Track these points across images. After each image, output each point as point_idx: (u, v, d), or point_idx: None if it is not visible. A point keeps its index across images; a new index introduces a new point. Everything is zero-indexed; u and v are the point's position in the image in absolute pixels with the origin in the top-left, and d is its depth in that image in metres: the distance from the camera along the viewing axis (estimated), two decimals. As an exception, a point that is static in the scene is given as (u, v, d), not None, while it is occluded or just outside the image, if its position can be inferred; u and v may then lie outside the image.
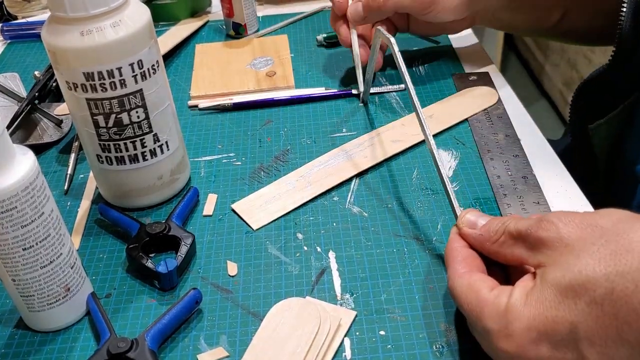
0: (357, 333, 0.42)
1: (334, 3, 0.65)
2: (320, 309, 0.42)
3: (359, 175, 0.55)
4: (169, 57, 0.76)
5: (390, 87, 0.67)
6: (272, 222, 0.51)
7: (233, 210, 0.53)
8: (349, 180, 0.55)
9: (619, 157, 0.62)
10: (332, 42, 0.76)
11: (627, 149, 0.61)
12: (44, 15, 0.90)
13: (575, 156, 0.64)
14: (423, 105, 0.63)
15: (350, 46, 0.66)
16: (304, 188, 0.54)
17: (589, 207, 0.51)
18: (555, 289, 0.33)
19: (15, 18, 0.91)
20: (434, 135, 0.59)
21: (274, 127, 0.63)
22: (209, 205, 0.54)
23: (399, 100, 0.65)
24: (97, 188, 0.56)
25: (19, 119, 0.62)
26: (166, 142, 0.51)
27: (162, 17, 0.83)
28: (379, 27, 0.56)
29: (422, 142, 0.58)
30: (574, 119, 0.65)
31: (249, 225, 0.51)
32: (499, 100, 0.63)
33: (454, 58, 0.72)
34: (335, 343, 0.41)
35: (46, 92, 0.66)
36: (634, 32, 0.54)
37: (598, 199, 0.53)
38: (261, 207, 0.53)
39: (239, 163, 0.58)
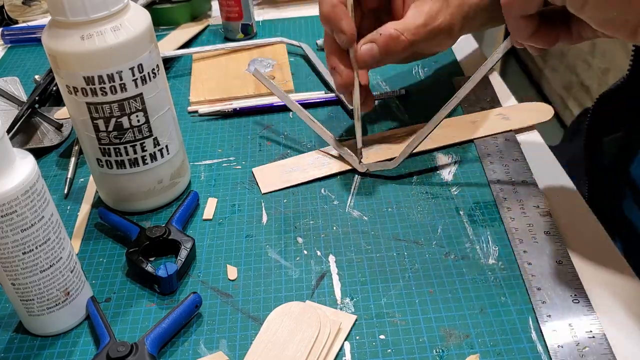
0: (357, 337, 0.42)
1: (340, 31, 0.51)
2: (320, 313, 0.42)
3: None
4: (169, 61, 0.76)
5: (390, 92, 0.67)
6: (279, 190, 0.55)
7: (252, 174, 0.57)
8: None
9: (626, 172, 0.61)
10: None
11: (636, 166, 0.59)
12: (45, 20, 0.91)
13: (584, 164, 0.63)
14: (422, 112, 0.63)
15: (348, 92, 0.54)
16: (320, 166, 0.57)
17: (589, 213, 0.51)
18: None
19: (16, 22, 0.91)
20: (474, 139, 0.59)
21: (274, 131, 0.63)
22: (209, 209, 0.54)
23: (398, 104, 0.65)
24: (97, 192, 0.56)
25: (19, 123, 0.62)
26: (166, 146, 0.51)
27: (162, 21, 0.83)
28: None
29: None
30: (590, 129, 0.62)
31: (259, 188, 0.55)
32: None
33: (454, 62, 0.72)
34: (335, 347, 0.41)
35: (46, 96, 0.66)
36: None
37: (599, 207, 0.53)
38: (276, 175, 0.56)
39: (239, 167, 0.58)
